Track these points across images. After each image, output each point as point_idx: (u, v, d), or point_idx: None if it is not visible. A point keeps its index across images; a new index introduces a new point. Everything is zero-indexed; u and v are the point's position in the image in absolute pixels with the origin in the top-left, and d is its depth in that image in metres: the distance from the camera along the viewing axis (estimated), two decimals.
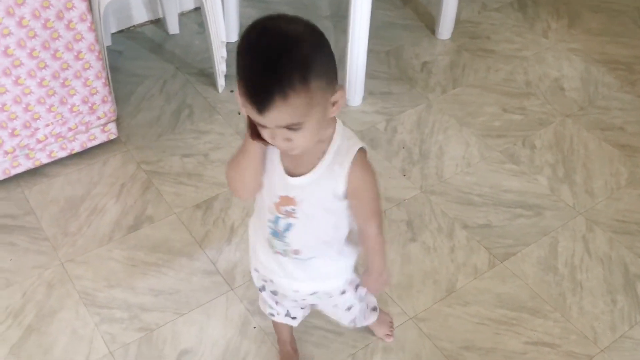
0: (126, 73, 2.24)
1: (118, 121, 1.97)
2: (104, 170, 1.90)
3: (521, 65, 2.33)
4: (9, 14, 1.53)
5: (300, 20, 0.87)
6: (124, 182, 1.87)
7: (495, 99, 2.19)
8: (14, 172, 1.81)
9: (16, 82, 1.64)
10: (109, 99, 1.84)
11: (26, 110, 1.70)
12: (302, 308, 1.32)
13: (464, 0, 2.54)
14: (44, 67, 1.66)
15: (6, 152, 1.74)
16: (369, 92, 2.18)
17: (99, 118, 1.85)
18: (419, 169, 1.94)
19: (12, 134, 1.72)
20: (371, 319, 1.41)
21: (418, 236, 1.75)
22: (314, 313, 1.39)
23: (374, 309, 1.41)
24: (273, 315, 1.32)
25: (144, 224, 1.76)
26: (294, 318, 1.32)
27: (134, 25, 2.45)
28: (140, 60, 2.30)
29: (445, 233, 1.75)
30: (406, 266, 1.67)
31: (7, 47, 1.57)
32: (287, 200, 1.02)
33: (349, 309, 1.29)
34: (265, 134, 0.91)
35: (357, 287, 1.26)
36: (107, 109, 1.85)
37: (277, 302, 1.28)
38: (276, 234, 1.08)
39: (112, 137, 1.94)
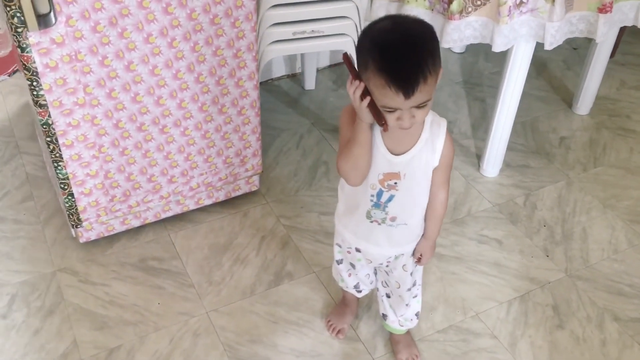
0: (264, 125, 2.29)
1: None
2: (244, 221, 1.94)
3: None
4: (190, 70, 1.61)
5: (417, 19, 1.10)
6: (264, 235, 1.90)
7: None
8: (163, 215, 1.87)
9: (183, 133, 1.71)
10: (259, 153, 1.89)
11: (187, 159, 1.77)
12: (370, 282, 1.52)
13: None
14: (210, 121, 1.72)
15: (162, 197, 1.81)
16: (506, 164, 2.15)
17: (247, 170, 1.90)
18: (562, 250, 1.87)
19: (170, 181, 1.79)
20: (414, 321, 1.54)
21: (566, 324, 1.67)
22: None
23: (417, 314, 1.53)
24: (342, 282, 1.54)
25: (284, 280, 1.77)
26: (359, 291, 1.55)
27: (271, 79, 2.53)
28: (277, 114, 2.37)
29: (595, 323, 1.68)
30: (555, 355, 1.60)
31: (182, 100, 1.65)
32: (391, 175, 1.22)
33: (412, 273, 1.43)
34: (393, 117, 1.10)
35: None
36: (255, 162, 1.90)
37: (349, 274, 1.51)
38: (378, 205, 1.27)
39: (254, 189, 1.99)
